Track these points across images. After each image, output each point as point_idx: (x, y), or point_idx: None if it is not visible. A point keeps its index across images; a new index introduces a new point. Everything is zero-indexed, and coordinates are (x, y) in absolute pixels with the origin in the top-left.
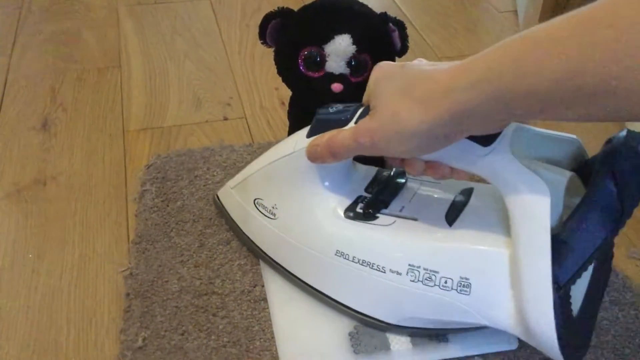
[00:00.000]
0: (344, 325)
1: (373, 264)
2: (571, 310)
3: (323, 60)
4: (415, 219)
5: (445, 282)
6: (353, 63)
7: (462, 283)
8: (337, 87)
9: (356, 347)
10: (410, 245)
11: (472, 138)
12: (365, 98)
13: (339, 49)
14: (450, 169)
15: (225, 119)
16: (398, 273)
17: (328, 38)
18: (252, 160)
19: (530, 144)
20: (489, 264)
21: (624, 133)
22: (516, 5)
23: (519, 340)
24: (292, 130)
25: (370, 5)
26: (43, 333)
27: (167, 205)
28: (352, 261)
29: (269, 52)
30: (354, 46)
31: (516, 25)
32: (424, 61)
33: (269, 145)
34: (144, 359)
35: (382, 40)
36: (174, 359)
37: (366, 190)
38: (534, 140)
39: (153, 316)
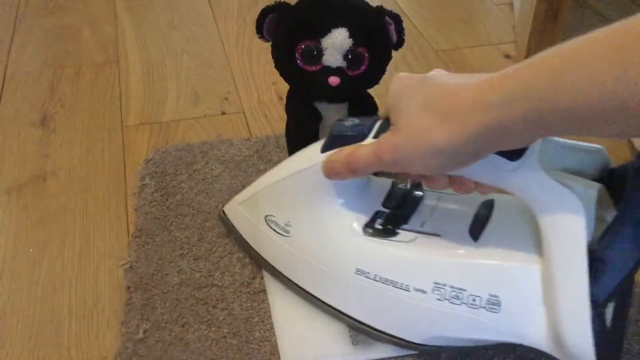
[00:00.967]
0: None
1: (396, 282)
2: (606, 324)
3: (320, 54)
4: (438, 235)
5: (474, 300)
6: (350, 56)
7: (491, 301)
8: (334, 80)
9: (354, 338)
10: (434, 262)
11: (500, 152)
12: (382, 111)
13: (336, 43)
14: (474, 183)
15: (223, 113)
16: (423, 291)
17: (325, 32)
18: (249, 154)
19: (555, 155)
20: (520, 281)
21: None
22: None
23: None
24: (290, 124)
25: None
26: (45, 326)
27: (167, 200)
28: (374, 280)
29: (267, 47)
30: (351, 39)
31: (512, 17)
32: (443, 72)
33: (267, 139)
34: (145, 351)
35: (379, 33)
36: (175, 350)
37: (384, 205)
38: (558, 151)
39: (153, 308)
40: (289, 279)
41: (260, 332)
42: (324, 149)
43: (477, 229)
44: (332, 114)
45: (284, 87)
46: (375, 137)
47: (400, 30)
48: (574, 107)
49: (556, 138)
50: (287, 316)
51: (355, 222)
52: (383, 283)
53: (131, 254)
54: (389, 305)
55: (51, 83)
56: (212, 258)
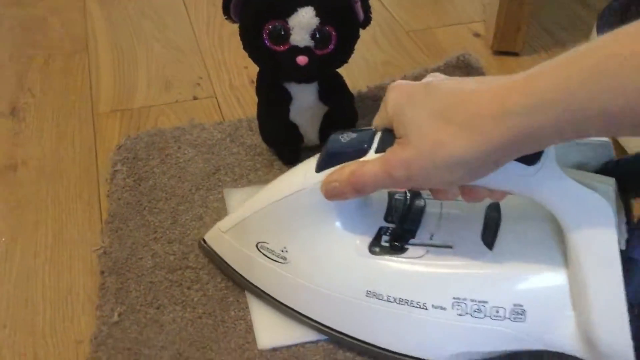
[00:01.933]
0: None
1: (412, 301)
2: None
3: (287, 34)
4: (449, 246)
5: (497, 311)
6: (317, 35)
7: (516, 310)
8: (302, 59)
9: None
10: (451, 276)
11: (517, 158)
12: (378, 122)
13: (303, 22)
14: (488, 191)
15: (195, 98)
16: (442, 308)
17: (291, 11)
18: (222, 137)
19: (560, 151)
20: (544, 288)
21: None
22: None
23: None
24: (261, 106)
25: None
26: (19, 313)
27: (139, 185)
28: (387, 301)
29: (237, 32)
30: (317, 18)
31: None
32: (441, 76)
33: (239, 122)
34: (121, 333)
35: (345, 11)
36: (150, 332)
37: (386, 219)
38: (565, 146)
39: (128, 292)
40: (289, 307)
41: (235, 312)
42: (320, 167)
43: (489, 236)
44: (302, 94)
45: (256, 71)
46: (378, 151)
47: (366, 9)
48: (613, 110)
49: None
50: None
51: (359, 241)
52: (397, 303)
53: (104, 239)
54: (406, 326)
55: (20, 73)
56: (186, 241)
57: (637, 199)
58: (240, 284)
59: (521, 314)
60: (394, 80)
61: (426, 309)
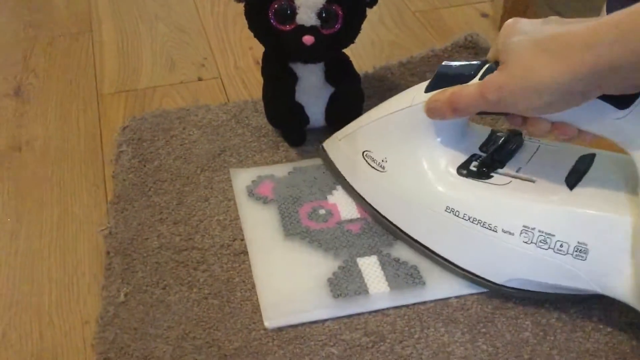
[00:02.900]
0: (323, 272)
1: (484, 222)
2: None
3: (293, 13)
4: (532, 181)
5: (561, 245)
6: (324, 14)
7: (579, 248)
8: (308, 39)
9: (335, 292)
10: (526, 206)
11: (608, 100)
12: (491, 54)
13: (309, 1)
14: (577, 130)
15: (200, 79)
16: (510, 233)
17: None
18: (227, 118)
19: None
20: (610, 231)
21: None
22: None
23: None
24: (267, 87)
25: None
26: (25, 293)
27: (145, 166)
28: (463, 218)
29: (242, 12)
30: None
31: None
32: (558, 18)
33: (244, 104)
34: (127, 314)
35: None
36: (157, 312)
37: (480, 149)
38: None
39: (134, 272)
40: (380, 213)
41: (241, 292)
42: (428, 88)
43: (573, 178)
44: (308, 74)
45: (261, 52)
46: (482, 79)
47: None
48: None
49: None
50: (268, 275)
51: (451, 162)
52: (471, 222)
53: (110, 220)
54: (474, 244)
55: (24, 54)
56: (191, 222)
57: None
58: (346, 189)
59: (584, 253)
60: (400, 62)
61: (496, 231)
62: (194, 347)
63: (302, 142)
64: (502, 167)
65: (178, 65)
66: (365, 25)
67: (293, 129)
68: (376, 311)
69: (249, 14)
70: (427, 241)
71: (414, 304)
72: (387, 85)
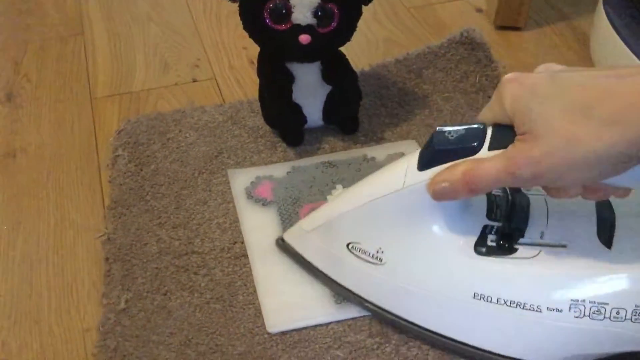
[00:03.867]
0: None
1: (524, 304)
2: None
3: (289, 12)
4: (564, 246)
5: (617, 313)
6: (320, 13)
7: (638, 312)
8: (304, 38)
9: (337, 297)
10: (568, 277)
11: None
12: (492, 116)
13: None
14: (613, 188)
15: (195, 80)
16: (558, 310)
17: None
18: (223, 120)
19: None
20: None
21: None
22: None
23: None
24: (263, 87)
25: None
26: (24, 302)
27: (141, 170)
28: (497, 303)
29: (235, 12)
30: None
31: None
32: (557, 66)
33: (240, 104)
34: (128, 321)
35: None
36: (158, 318)
37: (488, 217)
38: None
39: (134, 278)
40: (385, 310)
41: (243, 296)
42: (424, 166)
43: (606, 234)
44: (304, 74)
45: (255, 51)
46: (491, 148)
47: None
48: None
49: None
50: (270, 279)
51: (463, 241)
52: (508, 306)
53: (108, 225)
54: (517, 328)
55: (15, 58)
56: (190, 225)
57: None
58: (327, 285)
59: None
60: (397, 59)
61: (540, 311)
62: (198, 354)
63: (300, 142)
64: (522, 236)
65: (172, 66)
66: (359, 23)
67: (291, 129)
68: None
69: (244, 14)
70: (456, 334)
71: None
72: (383, 83)
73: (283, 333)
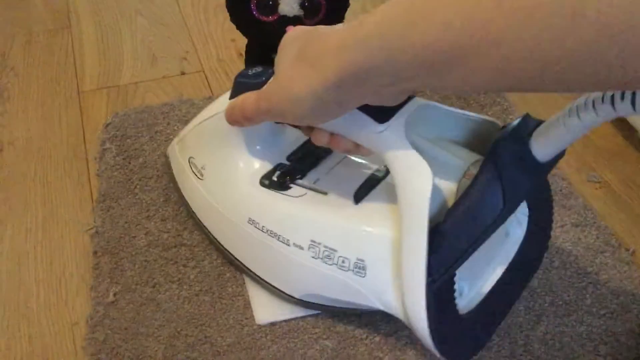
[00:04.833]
0: None
1: (279, 235)
2: (455, 306)
3: (276, 3)
4: (325, 193)
5: (343, 261)
6: (306, 4)
7: (358, 265)
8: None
9: None
10: (314, 220)
11: (369, 113)
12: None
13: None
14: (354, 144)
15: (183, 73)
16: (300, 247)
17: None
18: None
19: (444, 124)
20: (382, 248)
21: (518, 120)
22: None
23: None
24: None
25: None
26: (12, 297)
27: (129, 163)
28: (262, 231)
29: (223, 4)
30: None
31: None
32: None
33: None
34: (117, 313)
35: None
36: (147, 311)
37: (287, 158)
38: (447, 120)
39: (123, 271)
40: (202, 224)
41: (232, 288)
42: (231, 96)
43: (362, 192)
44: None
45: (243, 43)
46: None
47: None
48: (420, 45)
49: (443, 106)
50: None
51: (255, 172)
52: (269, 235)
53: (96, 219)
54: (272, 257)
55: (2, 52)
56: (179, 218)
57: None
58: (178, 194)
59: (362, 269)
60: None
61: (288, 245)
62: (187, 345)
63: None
64: (301, 178)
65: (160, 59)
66: (347, 14)
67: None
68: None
69: (231, 6)
70: (236, 252)
71: None
72: None
73: (272, 324)
